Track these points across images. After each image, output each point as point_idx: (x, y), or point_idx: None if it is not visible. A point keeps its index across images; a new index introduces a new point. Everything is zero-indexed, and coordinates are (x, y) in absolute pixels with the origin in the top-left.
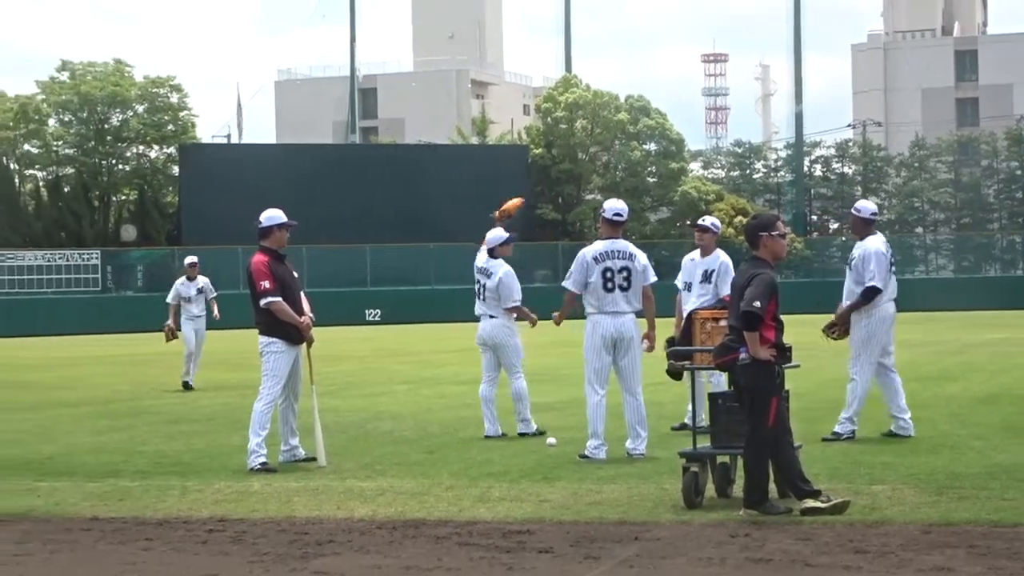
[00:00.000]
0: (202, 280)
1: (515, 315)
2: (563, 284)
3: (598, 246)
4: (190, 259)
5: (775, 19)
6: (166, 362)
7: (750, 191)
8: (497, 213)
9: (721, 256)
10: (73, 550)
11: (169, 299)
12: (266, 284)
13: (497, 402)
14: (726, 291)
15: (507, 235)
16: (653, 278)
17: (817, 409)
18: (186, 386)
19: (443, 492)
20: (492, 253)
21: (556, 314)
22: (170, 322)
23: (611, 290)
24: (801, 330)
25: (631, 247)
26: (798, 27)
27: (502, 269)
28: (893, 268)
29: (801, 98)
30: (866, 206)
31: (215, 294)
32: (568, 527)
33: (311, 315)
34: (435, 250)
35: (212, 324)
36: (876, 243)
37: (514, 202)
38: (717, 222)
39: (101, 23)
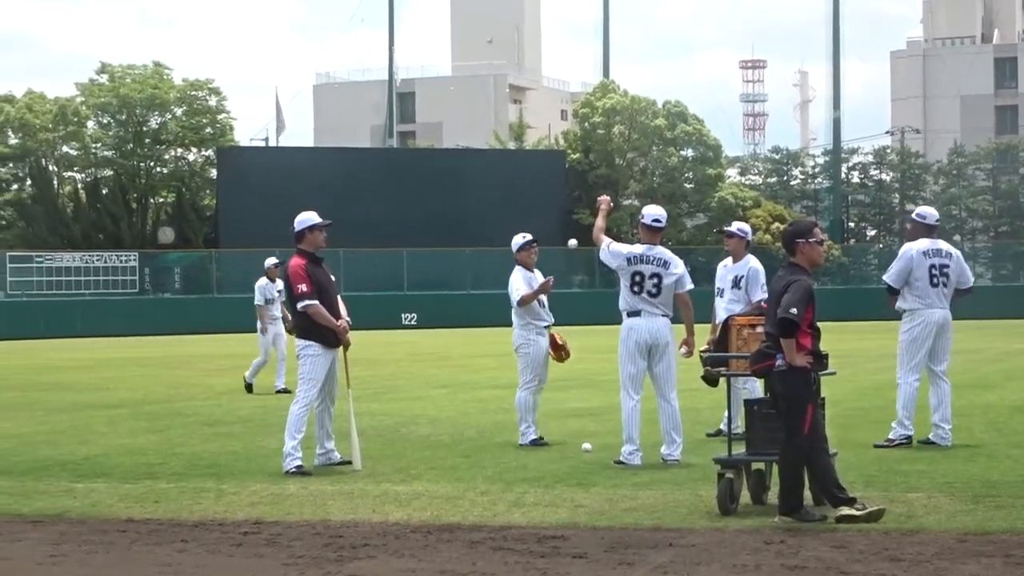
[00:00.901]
0: (281, 282)
1: (529, 317)
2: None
3: (637, 248)
4: (271, 260)
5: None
6: (202, 365)
7: (787, 197)
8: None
9: (751, 262)
10: (108, 551)
11: (257, 301)
12: (303, 287)
13: (541, 407)
14: (756, 296)
15: (523, 240)
16: (690, 285)
17: (852, 416)
18: (249, 389)
19: (478, 497)
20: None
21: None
22: (263, 324)
23: (638, 293)
24: (837, 337)
25: (668, 254)
26: (837, 33)
27: (511, 276)
28: (942, 276)
29: (839, 104)
30: (930, 212)
31: None
32: (603, 533)
33: (348, 319)
34: (471, 255)
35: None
36: (914, 247)
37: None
38: (745, 227)
39: (140, 26)
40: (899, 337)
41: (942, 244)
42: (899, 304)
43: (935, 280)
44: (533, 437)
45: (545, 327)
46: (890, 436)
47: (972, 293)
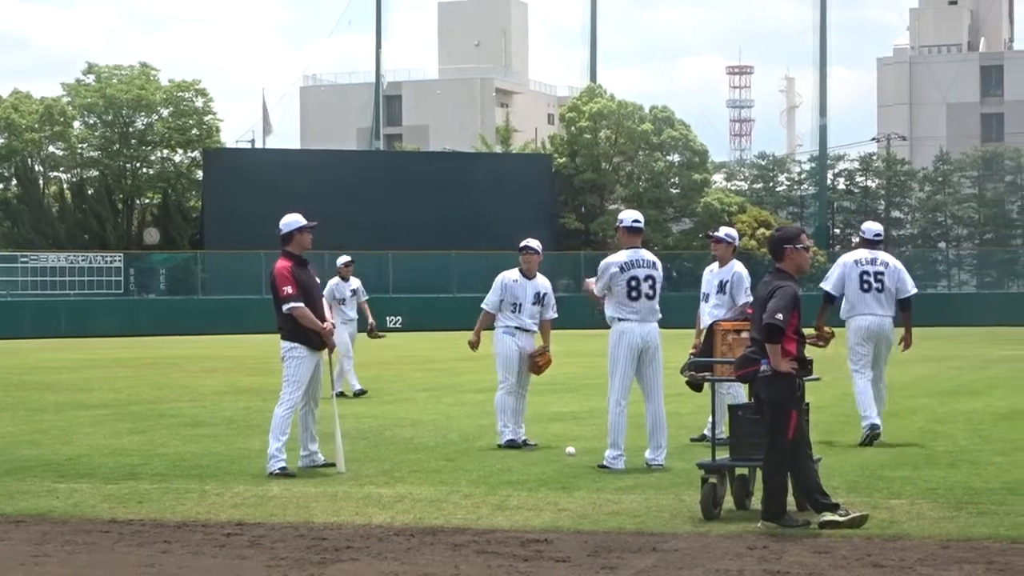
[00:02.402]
0: (356, 281)
1: (501, 318)
2: (593, 287)
3: (622, 255)
4: (344, 258)
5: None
6: (187, 366)
7: (773, 203)
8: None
9: (736, 267)
10: (91, 552)
11: (325, 301)
12: (289, 289)
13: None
14: (741, 299)
15: (520, 245)
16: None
17: (836, 422)
18: (342, 395)
19: (461, 500)
20: None
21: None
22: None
23: (636, 299)
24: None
25: (651, 255)
26: (824, 40)
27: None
28: (876, 283)
29: (826, 111)
30: (870, 227)
31: (367, 297)
32: (586, 537)
33: (332, 321)
34: (457, 258)
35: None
36: (849, 257)
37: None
38: (733, 233)
39: (128, 27)
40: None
41: (880, 254)
42: (842, 312)
43: (865, 286)
44: (509, 438)
45: (516, 328)
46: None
47: (911, 305)
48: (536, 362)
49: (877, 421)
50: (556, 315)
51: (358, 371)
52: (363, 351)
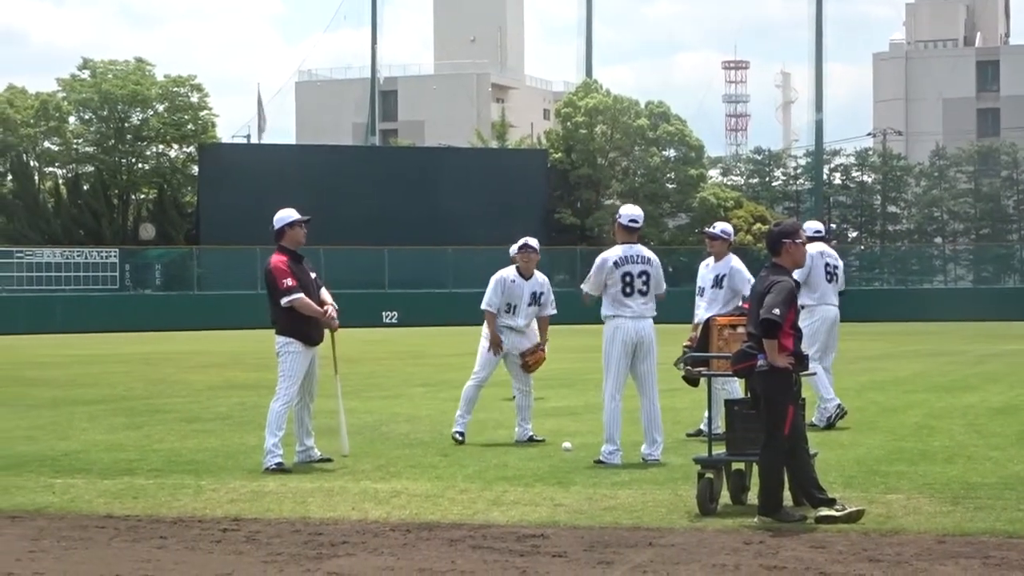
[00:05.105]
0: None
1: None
2: (581, 287)
3: (617, 251)
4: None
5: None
6: (182, 361)
7: (769, 198)
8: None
9: (733, 261)
10: (87, 547)
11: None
12: (288, 282)
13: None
14: (745, 289)
15: (519, 244)
16: (663, 287)
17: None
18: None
19: (457, 495)
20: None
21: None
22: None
23: (630, 294)
24: None
25: (647, 251)
26: (820, 35)
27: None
28: (835, 274)
29: (821, 106)
30: (810, 225)
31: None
32: (582, 532)
33: (334, 304)
34: (453, 253)
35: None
36: (811, 248)
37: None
38: (728, 228)
39: (123, 23)
40: None
41: (831, 249)
42: (804, 299)
43: (829, 277)
44: (458, 429)
45: (507, 327)
46: (828, 417)
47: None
48: (527, 361)
49: (837, 400)
50: (555, 311)
51: (353, 368)
52: (357, 347)
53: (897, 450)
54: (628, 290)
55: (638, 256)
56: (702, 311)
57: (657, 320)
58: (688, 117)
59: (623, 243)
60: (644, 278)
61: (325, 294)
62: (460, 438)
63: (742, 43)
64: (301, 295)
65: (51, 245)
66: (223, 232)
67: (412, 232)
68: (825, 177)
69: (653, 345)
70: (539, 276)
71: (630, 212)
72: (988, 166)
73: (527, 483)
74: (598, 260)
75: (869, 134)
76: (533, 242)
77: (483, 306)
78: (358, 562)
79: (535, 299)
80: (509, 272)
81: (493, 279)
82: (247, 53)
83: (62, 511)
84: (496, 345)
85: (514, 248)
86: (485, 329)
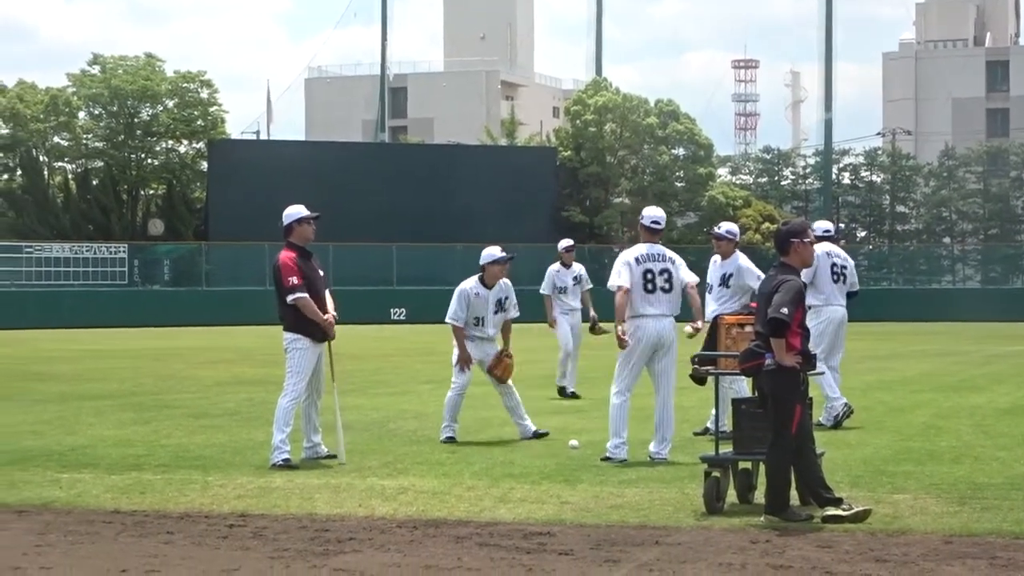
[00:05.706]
0: (578, 267)
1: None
2: (609, 286)
3: (639, 249)
4: (565, 242)
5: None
6: (190, 357)
7: (778, 197)
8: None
9: (740, 259)
10: (94, 542)
11: (544, 290)
12: (294, 280)
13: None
14: (754, 283)
15: (496, 256)
16: (695, 278)
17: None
18: (563, 392)
19: (464, 492)
20: None
21: (621, 332)
22: (554, 314)
23: (652, 291)
24: None
25: (669, 252)
26: (829, 34)
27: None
28: (842, 275)
29: (831, 105)
30: (820, 225)
31: (591, 285)
32: (589, 530)
33: (335, 313)
34: (462, 251)
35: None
36: (818, 248)
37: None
38: (734, 228)
39: (133, 18)
40: None
41: (840, 249)
42: (812, 300)
43: (835, 277)
44: (448, 435)
45: (476, 336)
46: (835, 416)
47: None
48: (495, 375)
49: (844, 399)
50: (518, 313)
51: (360, 364)
52: (365, 344)
53: (904, 450)
54: (650, 287)
55: (660, 255)
56: (709, 308)
57: (679, 318)
58: (697, 116)
59: (646, 243)
60: (666, 276)
61: (328, 300)
62: (452, 440)
63: (752, 42)
64: (305, 295)
65: (60, 240)
66: (232, 228)
67: (421, 229)
68: (834, 176)
69: (674, 344)
70: (502, 282)
71: (652, 214)
72: (997, 166)
73: (534, 480)
74: (619, 258)
75: (878, 134)
76: (501, 253)
77: (448, 319)
78: (364, 558)
79: (500, 306)
80: (471, 284)
81: (456, 292)
82: (257, 49)
83: (69, 506)
84: (465, 363)
85: (561, 245)
86: (455, 340)
